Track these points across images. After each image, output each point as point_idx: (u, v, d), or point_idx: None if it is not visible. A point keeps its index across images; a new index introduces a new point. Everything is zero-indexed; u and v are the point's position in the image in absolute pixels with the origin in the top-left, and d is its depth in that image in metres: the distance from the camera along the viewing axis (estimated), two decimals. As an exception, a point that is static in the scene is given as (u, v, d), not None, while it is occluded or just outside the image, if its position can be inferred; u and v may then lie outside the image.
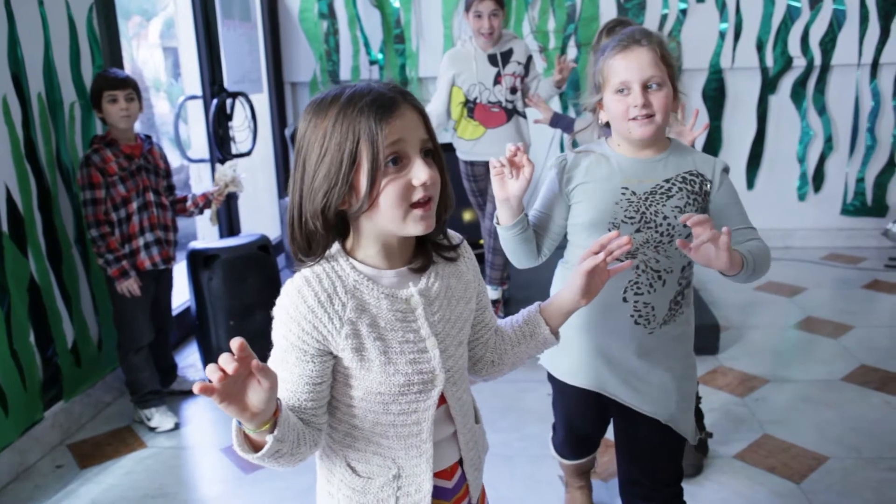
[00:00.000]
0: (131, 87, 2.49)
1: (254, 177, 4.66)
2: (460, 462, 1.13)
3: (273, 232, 4.39)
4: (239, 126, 3.90)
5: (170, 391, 2.84)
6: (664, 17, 4.30)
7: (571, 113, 4.40)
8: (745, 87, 4.39)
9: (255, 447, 0.92)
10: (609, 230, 1.41)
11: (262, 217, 4.57)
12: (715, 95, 4.41)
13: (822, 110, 4.39)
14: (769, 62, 4.32)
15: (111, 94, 2.44)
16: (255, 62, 4.22)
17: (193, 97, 3.81)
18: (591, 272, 1.13)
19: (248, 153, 3.92)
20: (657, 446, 1.55)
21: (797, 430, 2.46)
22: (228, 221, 3.89)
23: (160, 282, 2.71)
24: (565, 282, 1.18)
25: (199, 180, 4.49)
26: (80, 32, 2.68)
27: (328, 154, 0.94)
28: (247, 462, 2.39)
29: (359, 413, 1.04)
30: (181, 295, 3.24)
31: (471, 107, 3.17)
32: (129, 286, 2.50)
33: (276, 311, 1.00)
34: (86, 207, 2.45)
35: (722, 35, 4.29)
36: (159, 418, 2.62)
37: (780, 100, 4.41)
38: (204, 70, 3.67)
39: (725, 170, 1.48)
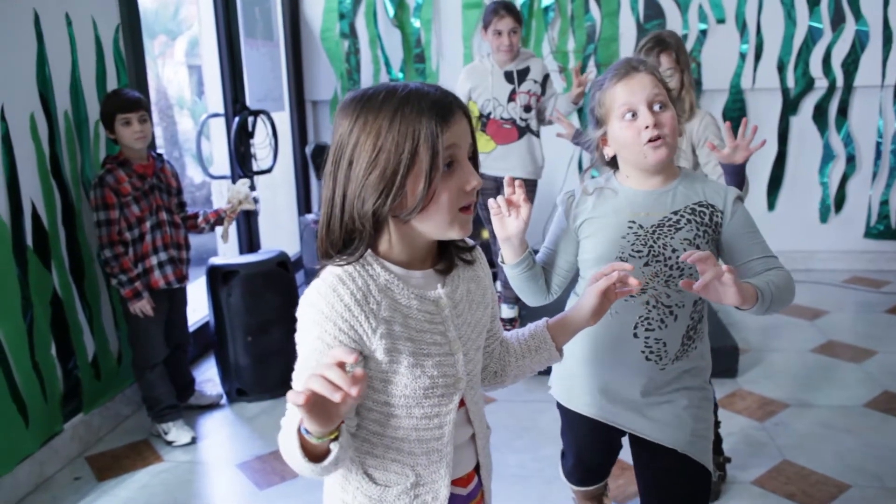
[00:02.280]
0: (144, 109, 2.50)
1: (274, 193, 4.71)
2: (476, 469, 1.12)
3: (292, 248, 4.43)
4: (260, 143, 3.95)
5: (187, 406, 2.86)
6: (684, 38, 4.30)
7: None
8: (766, 107, 4.37)
9: (312, 456, 0.89)
10: None
11: (282, 234, 4.61)
12: (736, 116, 4.39)
13: (844, 132, 4.35)
14: (790, 83, 4.30)
15: (124, 117, 2.46)
16: (277, 80, 4.28)
17: (216, 115, 3.86)
18: (603, 293, 1.15)
19: (269, 170, 3.97)
20: (676, 477, 1.51)
21: (817, 457, 2.42)
22: (248, 238, 3.93)
23: (174, 300, 2.73)
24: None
25: (221, 196, 4.54)
26: (106, 52, 2.74)
27: (383, 153, 0.92)
28: (261, 478, 2.41)
29: (381, 418, 1.02)
30: (200, 310, 3.28)
31: (484, 121, 3.20)
32: (142, 307, 2.52)
33: (307, 312, 0.97)
34: (100, 228, 2.47)
35: (742, 56, 4.28)
36: (176, 432, 2.64)
37: (802, 121, 4.38)
38: (226, 88, 3.72)
39: (738, 199, 1.45)
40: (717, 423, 2.27)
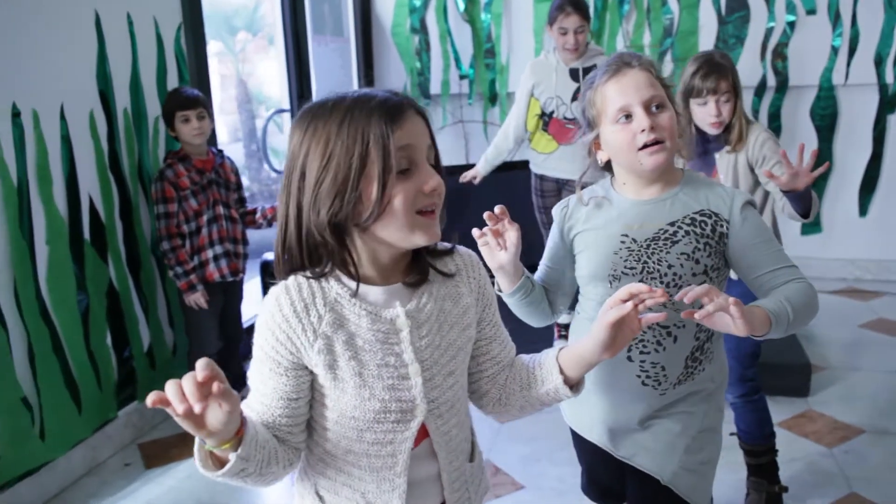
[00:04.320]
0: (202, 106, 2.57)
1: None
2: None
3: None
4: (326, 139, 3.98)
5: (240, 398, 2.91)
6: (770, 31, 4.03)
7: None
8: (860, 105, 4.04)
9: (219, 464, 0.87)
10: (610, 284, 1.29)
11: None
12: (825, 115, 4.09)
13: (950, 132, 3.98)
14: (889, 79, 3.96)
15: (184, 115, 2.53)
16: (346, 76, 4.31)
17: (282, 111, 3.93)
18: (617, 324, 0.99)
19: (334, 166, 3.99)
20: None
21: (890, 492, 2.20)
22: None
23: (229, 293, 2.77)
24: (582, 333, 1.06)
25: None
26: (167, 50, 2.81)
27: (333, 159, 0.89)
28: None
29: (332, 437, 0.98)
30: (256, 306, 3.33)
31: (546, 120, 3.09)
32: (196, 299, 2.58)
33: (258, 319, 0.97)
34: (159, 221, 2.55)
35: (835, 49, 3.98)
36: (224, 424, 2.68)
37: (901, 120, 4.03)
38: (292, 84, 3.77)
39: (748, 204, 1.29)
40: (773, 450, 2.11)
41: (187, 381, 0.77)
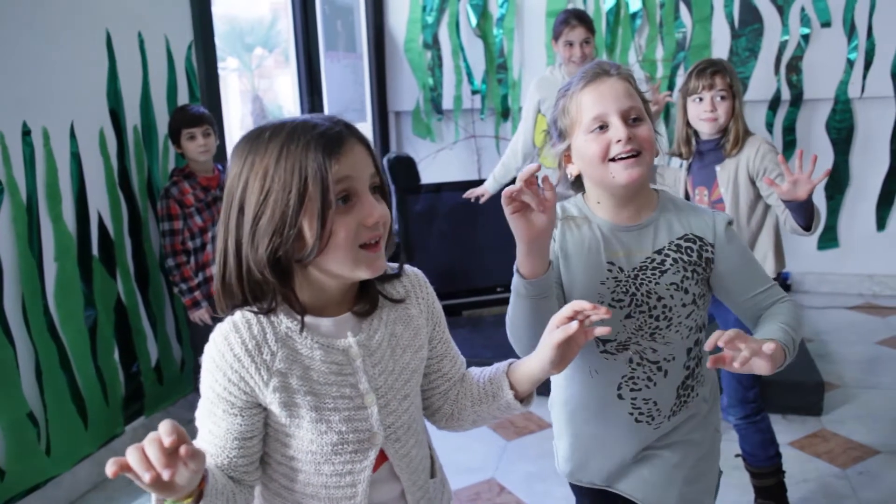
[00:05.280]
0: (208, 123, 2.59)
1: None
2: None
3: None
4: (337, 154, 4.00)
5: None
6: (784, 44, 3.99)
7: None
8: (876, 118, 3.99)
9: None
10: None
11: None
12: (841, 128, 4.04)
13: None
14: (906, 91, 3.90)
15: (189, 132, 2.55)
16: (359, 92, 4.34)
17: (293, 127, 3.95)
18: (564, 343, 0.96)
19: (345, 181, 4.01)
20: None
21: (905, 515, 2.16)
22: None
23: (234, 309, 2.78)
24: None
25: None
26: (178, 68, 2.84)
27: (272, 194, 0.87)
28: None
29: (288, 472, 0.97)
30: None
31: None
32: (201, 315, 2.60)
33: (204, 360, 0.93)
34: (164, 238, 2.57)
35: (850, 62, 3.93)
36: (230, 440, 2.69)
37: (920, 133, 3.97)
38: (303, 100, 3.80)
39: (730, 224, 1.23)
40: (780, 471, 2.07)
41: (151, 448, 0.73)
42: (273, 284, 0.90)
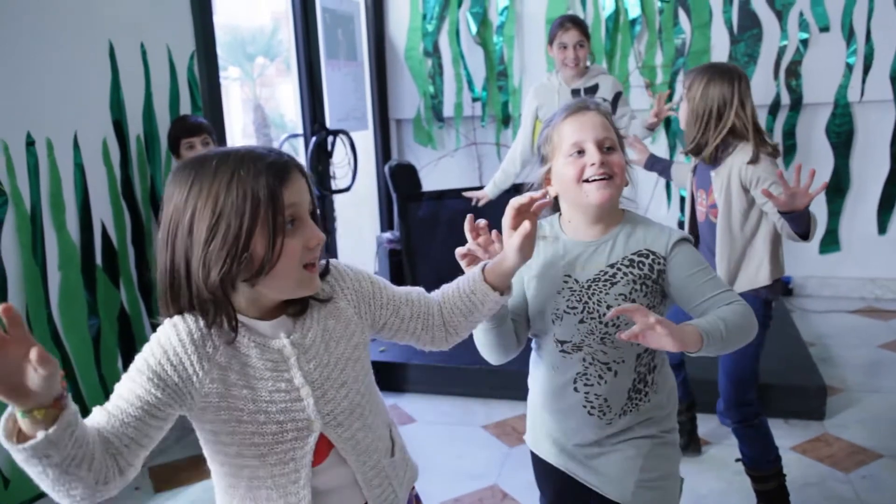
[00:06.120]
0: (206, 132, 2.59)
1: (358, 211, 4.78)
2: None
3: (373, 266, 4.47)
4: (339, 163, 4.02)
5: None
6: (783, 49, 4.01)
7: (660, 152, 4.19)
8: (875, 121, 4.00)
9: (22, 439, 0.81)
10: (553, 322, 1.35)
11: (366, 249, 4.66)
12: (841, 132, 4.05)
13: (970, 148, 3.91)
14: (906, 95, 3.92)
15: (188, 141, 2.55)
16: (360, 100, 4.35)
17: (295, 135, 3.97)
18: (519, 211, 1.13)
19: (348, 189, 4.03)
20: None
21: (908, 518, 2.16)
22: (326, 254, 4.00)
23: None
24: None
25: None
26: (180, 78, 2.86)
27: (223, 219, 0.93)
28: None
29: (235, 470, 1.03)
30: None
31: None
32: None
33: (151, 340, 0.99)
34: None
35: (849, 66, 3.94)
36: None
37: (920, 136, 3.98)
38: (305, 108, 3.82)
39: (683, 240, 1.33)
40: (780, 474, 2.07)
41: None
42: (220, 301, 0.96)
